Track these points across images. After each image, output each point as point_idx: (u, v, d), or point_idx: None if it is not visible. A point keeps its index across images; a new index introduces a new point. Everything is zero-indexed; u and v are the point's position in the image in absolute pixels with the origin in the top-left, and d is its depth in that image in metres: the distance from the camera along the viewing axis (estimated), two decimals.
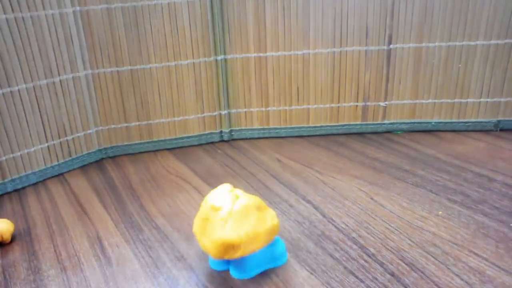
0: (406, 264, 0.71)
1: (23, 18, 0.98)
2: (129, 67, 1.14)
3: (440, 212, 0.85)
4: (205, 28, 1.15)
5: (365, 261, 0.73)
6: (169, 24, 1.13)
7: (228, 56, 1.19)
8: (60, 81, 1.08)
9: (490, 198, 0.89)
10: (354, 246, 0.77)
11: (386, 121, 1.24)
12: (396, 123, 1.24)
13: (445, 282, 0.67)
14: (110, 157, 1.21)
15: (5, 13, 0.95)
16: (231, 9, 1.15)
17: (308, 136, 1.27)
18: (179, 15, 1.12)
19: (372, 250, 0.75)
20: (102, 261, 0.78)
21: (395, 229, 0.81)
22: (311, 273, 0.71)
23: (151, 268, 0.75)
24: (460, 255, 0.73)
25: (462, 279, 0.67)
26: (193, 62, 1.18)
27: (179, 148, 1.25)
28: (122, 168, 1.15)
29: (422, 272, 0.69)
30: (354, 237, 0.79)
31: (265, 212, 0.69)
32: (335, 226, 0.83)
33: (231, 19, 1.16)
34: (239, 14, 1.15)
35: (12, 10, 0.96)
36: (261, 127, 1.27)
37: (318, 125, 1.26)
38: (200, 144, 1.27)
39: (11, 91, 1.00)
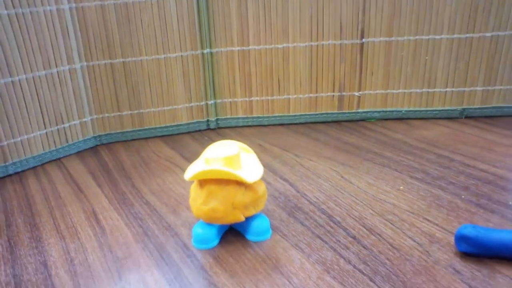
0: (367, 229, 0.81)
1: (23, 13, 1.07)
2: (122, 60, 1.23)
3: (402, 187, 0.95)
4: (192, 24, 1.24)
5: (331, 227, 0.82)
6: (159, 19, 1.22)
7: (214, 50, 1.28)
8: (58, 72, 1.16)
9: (448, 175, 0.99)
10: (323, 216, 0.86)
11: (360, 110, 1.34)
12: (370, 111, 1.34)
13: (398, 243, 0.76)
14: (104, 144, 1.30)
15: (6, 9, 1.04)
16: (216, 6, 1.24)
17: (289, 124, 1.37)
18: (167, 11, 1.22)
19: (338, 218, 0.85)
20: (97, 230, 0.86)
21: (360, 202, 0.90)
22: (283, 237, 0.80)
23: (141, 236, 0.84)
24: (414, 222, 0.82)
25: (414, 241, 0.77)
26: (181, 55, 1.27)
27: (169, 136, 1.34)
28: (115, 153, 1.23)
29: (379, 235, 0.79)
30: (323, 208, 0.89)
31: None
32: (307, 200, 0.92)
33: (216, 15, 1.25)
34: (224, 10, 1.25)
35: (13, 6, 1.05)
36: (245, 116, 1.36)
37: (298, 113, 1.35)
38: (188, 132, 1.36)
39: (12, 81, 1.08)
